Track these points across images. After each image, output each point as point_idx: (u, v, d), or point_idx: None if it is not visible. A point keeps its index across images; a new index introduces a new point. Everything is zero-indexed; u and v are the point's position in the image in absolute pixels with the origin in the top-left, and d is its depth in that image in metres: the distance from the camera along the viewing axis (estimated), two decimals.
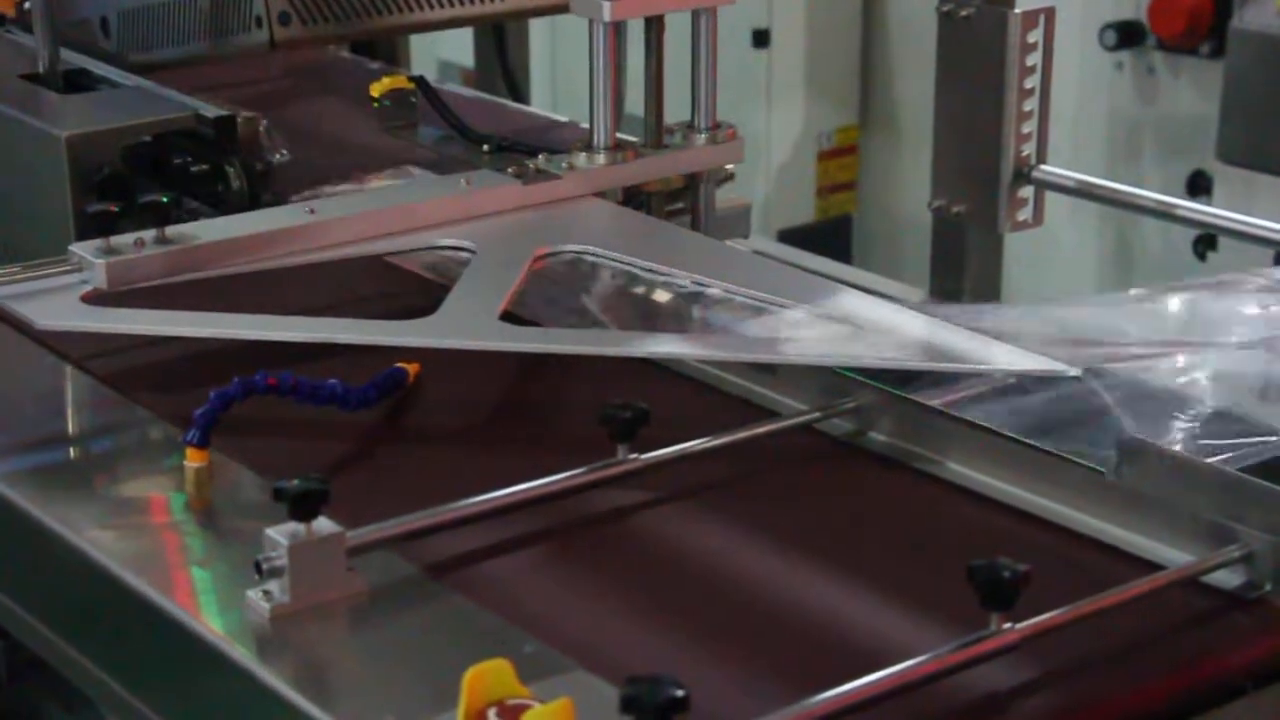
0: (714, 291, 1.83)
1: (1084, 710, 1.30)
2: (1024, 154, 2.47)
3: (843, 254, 4.86)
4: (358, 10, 2.30)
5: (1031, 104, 2.45)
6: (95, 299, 1.79)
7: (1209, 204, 3.78)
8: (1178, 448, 1.57)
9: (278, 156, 2.14)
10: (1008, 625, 1.27)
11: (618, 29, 2.05)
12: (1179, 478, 1.46)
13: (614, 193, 2.11)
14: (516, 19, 3.44)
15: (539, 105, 3.93)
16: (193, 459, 1.57)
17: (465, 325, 1.73)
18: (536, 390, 1.80)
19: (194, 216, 2.01)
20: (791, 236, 4.72)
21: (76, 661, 1.53)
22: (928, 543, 1.52)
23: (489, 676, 1.20)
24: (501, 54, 3.65)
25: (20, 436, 1.71)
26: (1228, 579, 1.40)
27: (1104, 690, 1.32)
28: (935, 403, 1.66)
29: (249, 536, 1.42)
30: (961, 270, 2.59)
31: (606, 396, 1.56)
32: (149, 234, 1.84)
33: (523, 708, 1.18)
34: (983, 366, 1.66)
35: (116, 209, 1.83)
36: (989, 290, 2.60)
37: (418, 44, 3.42)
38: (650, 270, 1.88)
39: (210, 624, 1.37)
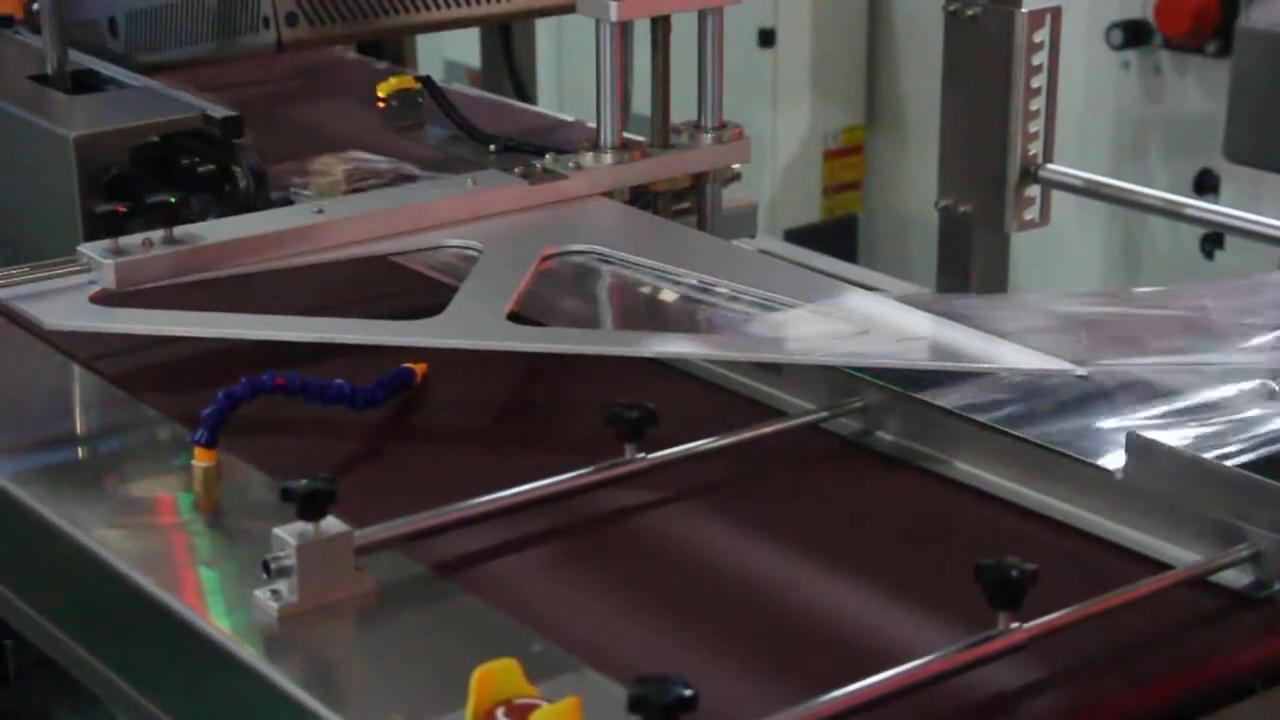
0: (721, 291, 1.83)
1: (1092, 710, 1.30)
2: (1030, 153, 2.47)
3: (849, 253, 4.85)
4: (365, 10, 2.30)
5: (1038, 103, 2.45)
6: (103, 299, 1.79)
7: (1216, 203, 3.78)
8: (1185, 447, 1.56)
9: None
10: (1015, 625, 1.27)
11: (624, 29, 2.05)
12: (1187, 477, 1.46)
13: (620, 192, 2.11)
14: (523, 19, 3.43)
15: (545, 105, 3.93)
16: (200, 459, 1.58)
17: (472, 325, 1.73)
18: (544, 390, 1.80)
19: (201, 217, 2.01)
20: (797, 236, 4.72)
21: (84, 660, 1.53)
22: (935, 542, 1.52)
23: (497, 676, 1.20)
24: (508, 54, 3.65)
25: (29, 436, 1.71)
26: (1236, 578, 1.40)
27: (1112, 690, 1.32)
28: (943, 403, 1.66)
29: (257, 536, 1.42)
30: (968, 270, 2.59)
31: (613, 396, 1.56)
32: (157, 234, 1.84)
33: (531, 707, 1.18)
34: (990, 366, 1.66)
35: (124, 209, 1.83)
36: (995, 290, 2.59)
37: (424, 44, 3.42)
38: (657, 270, 1.88)
39: (218, 623, 1.37)
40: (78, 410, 1.79)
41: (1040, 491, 1.54)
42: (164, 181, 2.13)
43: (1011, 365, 1.67)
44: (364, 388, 1.69)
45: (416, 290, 1.94)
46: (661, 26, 2.12)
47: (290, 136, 2.35)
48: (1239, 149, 3.69)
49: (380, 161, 2.25)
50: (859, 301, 1.79)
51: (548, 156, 2.10)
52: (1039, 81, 2.44)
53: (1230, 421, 1.65)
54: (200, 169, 2.19)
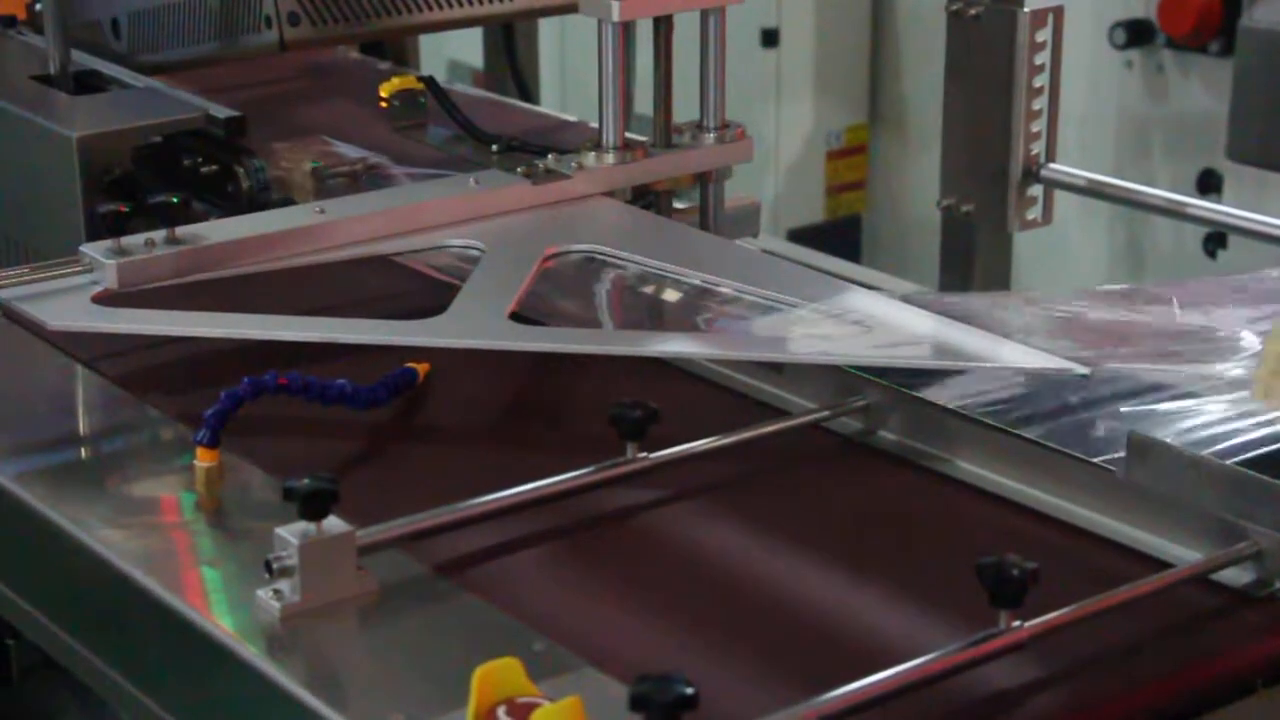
0: (723, 290, 1.84)
1: (1093, 708, 1.30)
2: (1033, 153, 2.47)
3: (852, 253, 4.85)
4: (367, 11, 2.30)
5: (1040, 103, 2.45)
6: (106, 300, 1.79)
7: (1219, 202, 3.78)
8: (1187, 445, 1.56)
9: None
10: (1016, 623, 1.27)
11: (626, 29, 2.05)
12: (1188, 475, 1.46)
13: (623, 192, 2.12)
14: (525, 19, 3.44)
15: (548, 105, 3.93)
16: (203, 459, 1.58)
17: (475, 325, 1.73)
18: (546, 389, 1.80)
19: (204, 218, 2.02)
20: (801, 236, 4.72)
21: (87, 660, 1.53)
22: (937, 541, 1.52)
23: (498, 675, 1.20)
24: (510, 54, 3.66)
25: (31, 437, 1.71)
26: (1237, 576, 1.40)
27: (1113, 688, 1.32)
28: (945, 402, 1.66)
29: (259, 536, 1.42)
30: (970, 269, 2.59)
31: (616, 396, 1.56)
32: (159, 234, 1.84)
33: (532, 706, 1.18)
34: (992, 365, 1.66)
35: (126, 209, 1.83)
36: (998, 289, 2.59)
37: (427, 44, 3.42)
38: (659, 269, 1.88)
39: (220, 623, 1.38)
40: (80, 410, 1.79)
41: (1042, 490, 1.54)
42: (167, 182, 2.14)
43: (1014, 364, 1.67)
44: (366, 387, 1.69)
45: (419, 290, 1.94)
46: (664, 26, 2.12)
47: (292, 138, 2.35)
48: (1242, 148, 3.69)
49: (348, 149, 2.24)
50: (861, 301, 1.79)
51: (550, 156, 2.10)
52: (1041, 81, 2.44)
53: (1232, 419, 1.65)
54: (203, 169, 2.20)
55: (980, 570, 1.27)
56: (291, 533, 1.37)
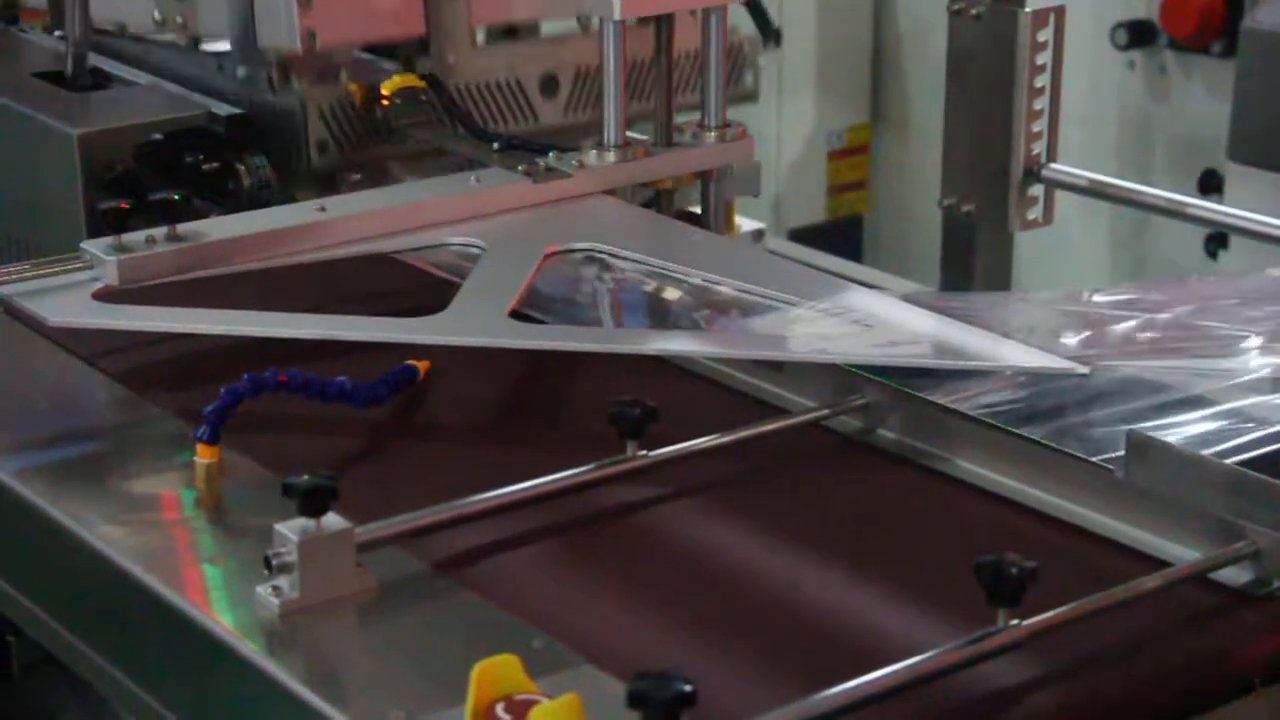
0: (723, 289, 1.84)
1: (1091, 706, 1.30)
2: (1034, 153, 2.47)
3: (854, 253, 4.84)
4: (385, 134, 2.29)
5: (1041, 103, 2.45)
6: (106, 296, 1.80)
7: (1220, 203, 3.77)
8: (1186, 444, 1.56)
9: None
10: (1015, 621, 1.27)
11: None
12: (1187, 475, 1.46)
13: (626, 190, 2.12)
14: None
15: None
16: (203, 455, 1.58)
17: (475, 323, 1.73)
18: (546, 387, 1.80)
19: (206, 215, 2.02)
20: (802, 236, 4.71)
21: (86, 656, 1.53)
22: (936, 539, 1.52)
23: (497, 672, 1.20)
24: None
25: (32, 433, 1.72)
26: (1236, 576, 1.40)
27: (1112, 686, 1.32)
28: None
29: (259, 532, 1.43)
30: (971, 269, 2.59)
31: (616, 394, 1.57)
32: (160, 231, 1.85)
33: (531, 703, 1.18)
34: (992, 364, 1.66)
35: (128, 206, 1.83)
36: (999, 288, 2.59)
37: None
38: (660, 268, 1.88)
39: (220, 619, 1.38)
40: (80, 407, 1.79)
41: (1041, 489, 1.54)
42: (168, 179, 2.14)
43: (1014, 364, 1.67)
44: (366, 385, 1.69)
45: (419, 288, 1.94)
46: (665, 25, 2.12)
47: None
48: (1244, 149, 3.68)
49: None
50: (861, 300, 1.80)
51: (551, 154, 2.10)
52: (1042, 81, 2.44)
53: (1232, 419, 1.65)
54: (204, 167, 2.20)
55: (978, 569, 1.27)
56: (291, 529, 1.37)
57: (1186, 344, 1.74)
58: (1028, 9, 2.43)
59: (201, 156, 2.20)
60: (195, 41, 2.33)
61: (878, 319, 1.74)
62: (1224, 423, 1.65)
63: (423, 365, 1.76)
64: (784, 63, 4.78)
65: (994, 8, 2.44)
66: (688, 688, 1.12)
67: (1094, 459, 1.53)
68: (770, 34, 2.48)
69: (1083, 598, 1.33)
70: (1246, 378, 1.72)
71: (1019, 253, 2.69)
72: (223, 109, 2.24)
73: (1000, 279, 2.61)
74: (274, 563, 1.37)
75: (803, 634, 1.38)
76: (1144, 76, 4.17)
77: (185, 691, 1.44)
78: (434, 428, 1.73)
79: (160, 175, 2.16)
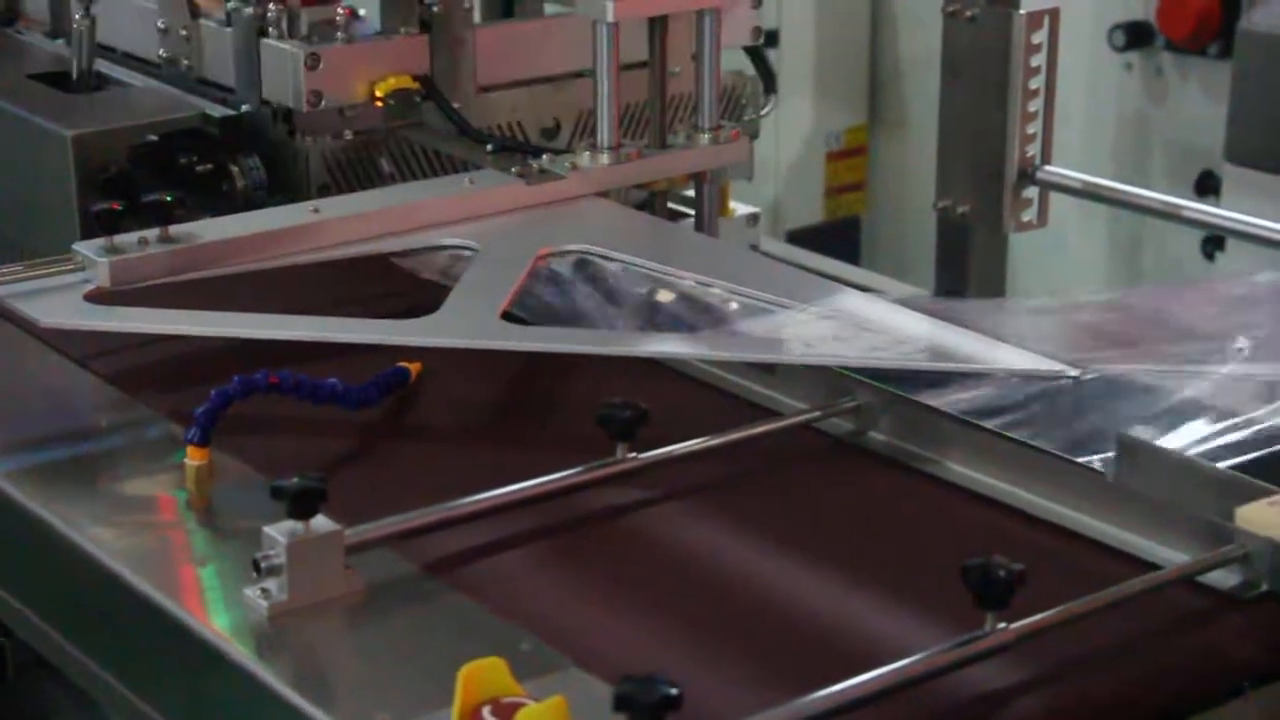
0: (716, 291, 1.84)
1: (1079, 710, 1.30)
2: (1028, 154, 2.47)
3: (852, 255, 4.84)
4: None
5: (1036, 104, 2.45)
6: (98, 298, 1.80)
7: (1217, 205, 3.77)
8: (1177, 448, 1.57)
9: None
10: (1002, 625, 1.27)
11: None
12: (1176, 478, 1.46)
13: (620, 192, 2.12)
14: None
15: None
16: (193, 457, 1.58)
17: (466, 324, 1.74)
18: (538, 389, 1.80)
19: (200, 217, 2.02)
20: (800, 237, 4.71)
21: (77, 659, 1.53)
22: (926, 542, 1.52)
23: (484, 674, 1.20)
24: None
25: (23, 434, 1.72)
26: (1224, 579, 1.40)
27: (1101, 690, 1.31)
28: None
29: (249, 535, 1.42)
30: (966, 270, 2.59)
31: (607, 396, 1.56)
32: (152, 233, 1.85)
33: (517, 706, 1.18)
34: (983, 367, 1.66)
35: (120, 207, 1.83)
36: (993, 291, 2.59)
37: None
38: (652, 270, 1.88)
39: (209, 622, 1.38)
40: (72, 408, 1.79)
41: (1031, 492, 1.54)
42: (162, 181, 2.14)
43: (1005, 367, 1.67)
44: (357, 386, 1.69)
45: (411, 289, 1.94)
46: (659, 27, 2.12)
47: None
48: (1240, 151, 3.69)
49: None
50: (853, 302, 1.80)
51: (544, 156, 2.10)
52: (1037, 83, 2.44)
53: (1223, 422, 1.65)
54: (199, 168, 2.20)
55: (966, 572, 1.27)
56: (279, 532, 1.37)
57: (1175, 347, 1.74)
58: (1022, 11, 2.43)
59: (196, 158, 2.20)
60: (200, 80, 2.34)
61: (869, 322, 1.74)
62: (1215, 425, 1.64)
63: (415, 367, 1.76)
64: (782, 64, 4.78)
65: (989, 10, 2.44)
66: (673, 691, 1.12)
67: (1084, 462, 1.53)
68: (772, 85, 2.49)
69: (1072, 601, 1.33)
70: (1234, 380, 1.72)
71: (1017, 255, 2.69)
72: (217, 110, 2.23)
73: (995, 281, 2.61)
74: (263, 565, 1.37)
75: (791, 637, 1.38)
76: (1141, 78, 4.17)
77: (175, 694, 1.44)
78: (425, 429, 1.73)
79: (155, 177, 2.16)
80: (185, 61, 2.35)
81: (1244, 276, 2.05)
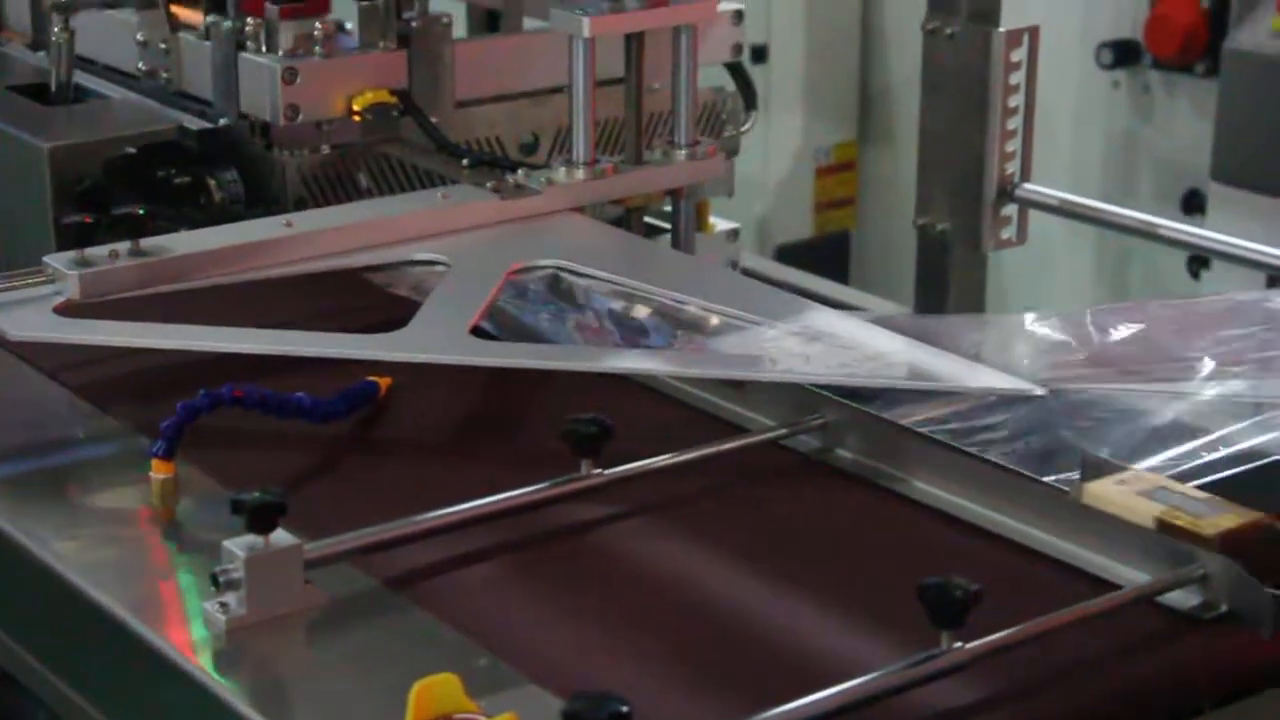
0: (688, 308, 1.83)
1: None
2: (1008, 172, 2.47)
3: (841, 270, 4.85)
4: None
5: (1015, 122, 2.45)
6: (68, 310, 1.79)
7: (1202, 223, 3.78)
8: (1143, 467, 1.56)
9: None
10: (958, 644, 1.27)
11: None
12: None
13: (597, 208, 2.12)
14: None
15: None
16: (158, 470, 1.58)
17: (434, 339, 1.73)
18: (507, 405, 1.80)
19: (177, 229, 2.02)
20: (789, 252, 4.72)
21: (38, 672, 1.53)
22: (888, 560, 1.52)
23: (437, 690, 1.20)
24: None
25: None
26: (1184, 599, 1.40)
27: (1057, 710, 1.31)
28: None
29: (212, 549, 1.42)
30: (946, 287, 2.59)
31: (578, 411, 1.56)
32: (123, 246, 1.85)
33: None
34: (950, 385, 1.66)
35: (91, 220, 1.83)
36: (973, 308, 2.60)
37: None
38: (623, 286, 1.88)
39: (167, 636, 1.38)
40: (40, 421, 1.78)
41: (996, 510, 1.54)
42: (139, 194, 2.14)
43: (972, 385, 1.67)
44: (323, 400, 1.69)
45: (383, 304, 1.94)
46: (635, 43, 2.12)
47: None
48: (1226, 169, 3.70)
49: None
50: (825, 320, 1.80)
51: (520, 171, 2.10)
52: (1016, 101, 2.45)
53: (1193, 441, 1.65)
54: (176, 181, 2.20)
55: (922, 591, 1.27)
56: (238, 546, 1.37)
57: (1144, 366, 1.74)
58: (1002, 29, 2.43)
59: (173, 171, 2.20)
60: (180, 93, 2.34)
61: (840, 339, 1.74)
62: (1185, 445, 1.65)
63: (384, 382, 1.76)
64: (771, 79, 4.79)
65: (968, 27, 2.44)
66: (623, 709, 1.12)
67: (1048, 480, 1.53)
68: (753, 103, 2.50)
69: (1031, 620, 1.33)
70: (1206, 400, 1.72)
71: (1004, 274, 2.70)
72: (195, 123, 2.23)
73: (974, 298, 2.62)
74: (221, 579, 1.37)
75: (749, 654, 1.38)
76: (1129, 96, 4.18)
77: (133, 708, 1.44)
78: (394, 444, 1.73)
79: (131, 189, 2.16)
80: (164, 74, 2.35)
81: (1223, 295, 2.05)
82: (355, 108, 2.22)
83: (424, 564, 1.47)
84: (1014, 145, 2.48)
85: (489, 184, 2.07)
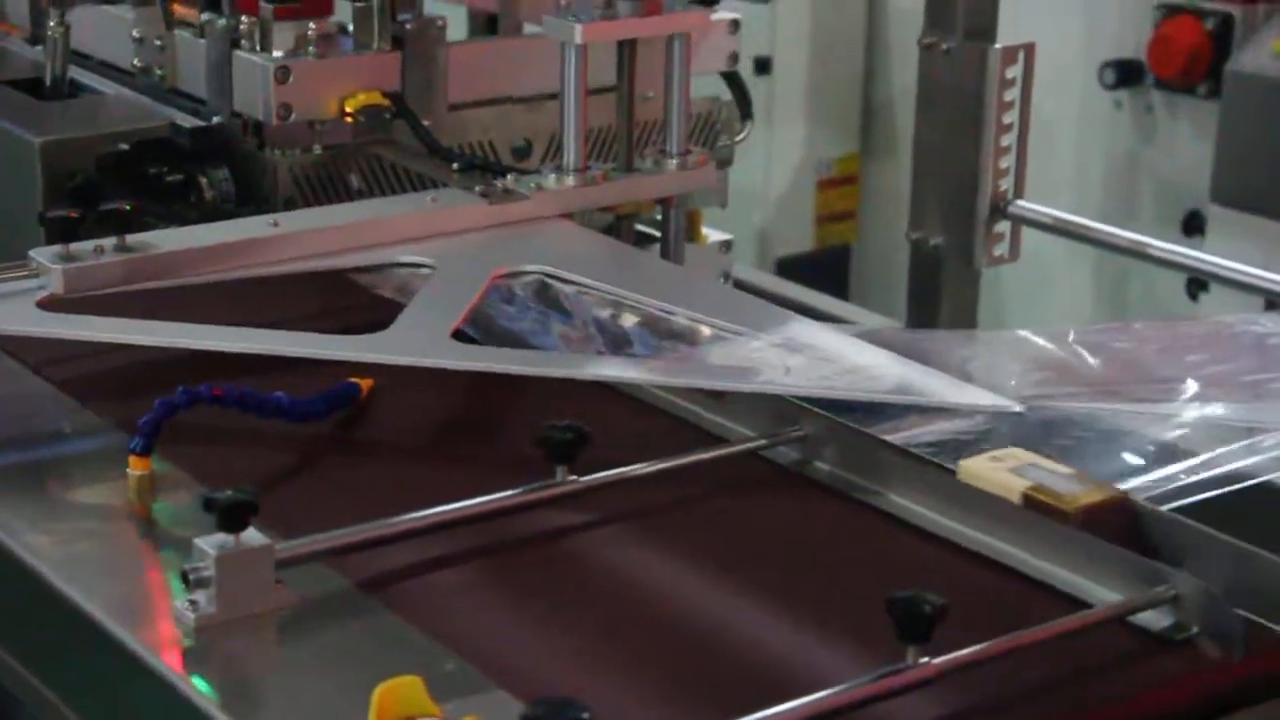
0: (672, 316, 1.83)
1: None
2: (1001, 189, 2.48)
3: (841, 283, 4.85)
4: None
5: (1010, 139, 2.46)
6: (52, 305, 1.79)
7: (1201, 245, 3.78)
8: (1123, 488, 1.56)
9: None
10: (924, 659, 1.27)
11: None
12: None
13: (587, 215, 2.12)
14: None
15: None
16: (136, 467, 1.57)
17: (416, 342, 1.73)
18: (487, 409, 1.80)
19: (168, 226, 2.02)
20: (790, 265, 4.72)
21: (10, 667, 1.52)
22: (861, 573, 1.52)
23: (399, 693, 1.20)
24: None
25: None
26: (1155, 620, 1.39)
27: None
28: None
29: (186, 546, 1.42)
30: (938, 303, 2.59)
31: (557, 418, 1.56)
32: (109, 241, 1.84)
33: None
34: (927, 400, 1.66)
35: (76, 214, 1.83)
36: (965, 323, 2.60)
37: None
38: (608, 293, 1.87)
39: (136, 633, 1.37)
40: (21, 415, 1.78)
41: (969, 526, 1.53)
42: (130, 190, 2.14)
43: (952, 400, 1.67)
44: (303, 400, 1.69)
45: (368, 305, 1.94)
46: (627, 50, 2.12)
47: None
48: (1226, 191, 3.69)
49: None
50: (808, 332, 1.79)
51: (510, 176, 2.10)
52: (1011, 117, 2.45)
53: (1175, 464, 1.65)
54: (167, 178, 2.20)
55: (890, 605, 1.27)
56: (209, 544, 1.37)
57: (1127, 386, 1.74)
58: (998, 45, 2.44)
59: (165, 168, 2.20)
60: (174, 90, 2.35)
61: (821, 352, 1.74)
62: (1166, 467, 1.64)
63: (366, 383, 1.76)
64: (774, 91, 4.79)
65: (964, 44, 2.44)
66: (584, 716, 1.12)
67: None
68: (749, 112, 2.50)
69: (1001, 636, 1.33)
70: (1189, 421, 1.72)
71: (1003, 291, 2.70)
72: (187, 121, 2.23)
73: (967, 314, 2.62)
74: (191, 577, 1.37)
75: (716, 664, 1.37)
76: (1131, 116, 4.18)
77: (103, 705, 1.44)
78: (372, 445, 1.73)
79: (122, 186, 2.16)
80: (159, 71, 2.35)
81: (1209, 318, 2.05)
82: (348, 109, 2.22)
83: (397, 566, 1.47)
84: (1008, 162, 2.49)
85: (478, 188, 2.07)
